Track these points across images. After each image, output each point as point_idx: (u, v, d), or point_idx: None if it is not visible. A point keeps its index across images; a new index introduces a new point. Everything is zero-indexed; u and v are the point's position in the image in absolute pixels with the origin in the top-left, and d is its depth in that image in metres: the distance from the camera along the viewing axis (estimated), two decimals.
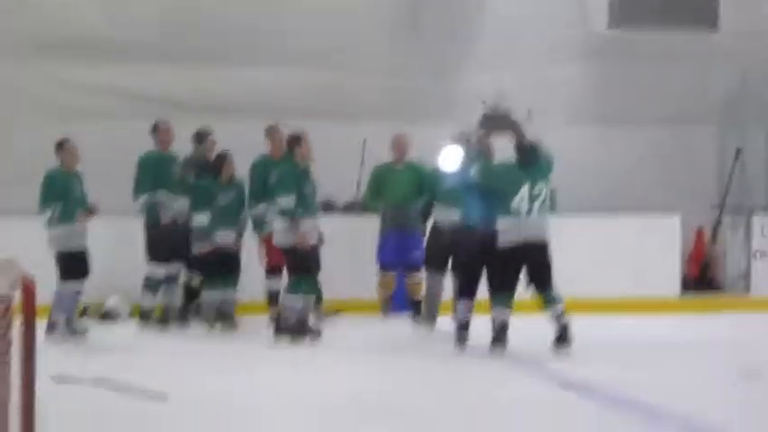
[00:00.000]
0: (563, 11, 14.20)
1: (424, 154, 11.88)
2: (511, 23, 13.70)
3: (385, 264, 12.24)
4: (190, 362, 9.76)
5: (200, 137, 12.09)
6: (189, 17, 13.42)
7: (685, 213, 13.75)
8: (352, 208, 13.60)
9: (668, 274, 13.57)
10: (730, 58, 14.27)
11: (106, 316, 12.42)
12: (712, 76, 14.39)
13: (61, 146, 11.02)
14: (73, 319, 10.96)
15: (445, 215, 11.13)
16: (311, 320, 10.91)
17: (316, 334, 10.65)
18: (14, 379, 4.59)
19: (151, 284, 11.68)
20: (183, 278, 11.87)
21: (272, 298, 11.67)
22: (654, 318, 12.73)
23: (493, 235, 9.93)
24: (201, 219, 11.55)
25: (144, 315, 11.74)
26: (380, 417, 7.30)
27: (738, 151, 14.54)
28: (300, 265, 10.60)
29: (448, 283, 11.19)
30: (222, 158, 11.74)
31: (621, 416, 7.44)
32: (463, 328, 10.23)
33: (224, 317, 11.54)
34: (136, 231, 11.73)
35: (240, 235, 11.77)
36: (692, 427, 6.96)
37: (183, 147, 11.99)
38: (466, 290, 10.30)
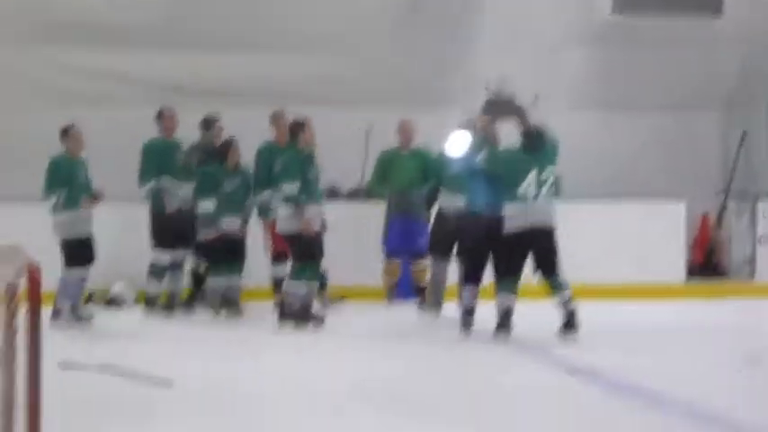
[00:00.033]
0: None
1: (430, 140, 11.88)
2: (515, 9, 13.64)
3: (390, 251, 12.25)
4: (195, 348, 9.78)
5: (208, 123, 12.08)
6: (192, 1, 13.35)
7: (690, 199, 13.74)
8: (356, 194, 13.60)
9: (673, 260, 13.57)
10: (734, 43, 14.22)
11: (111, 302, 12.44)
12: (716, 61, 14.33)
13: (66, 132, 11.01)
14: (78, 306, 10.97)
15: (450, 201, 11.13)
16: (316, 307, 10.92)
17: (319, 320, 10.65)
18: (20, 365, 4.60)
19: (156, 271, 11.67)
20: (189, 265, 11.89)
21: (278, 284, 11.63)
22: (658, 304, 12.74)
23: (499, 221, 9.91)
24: (207, 205, 11.55)
25: (149, 301, 11.75)
26: (385, 403, 7.31)
27: (743, 136, 14.52)
28: (305, 251, 10.59)
29: (453, 270, 11.19)
30: (228, 145, 11.74)
31: (626, 401, 7.44)
32: (468, 314, 10.22)
33: (229, 303, 11.55)
34: (141, 218, 11.72)
35: (246, 221, 11.77)
36: (697, 412, 6.95)
37: (185, 133, 11.96)
38: (471, 276, 10.27)
